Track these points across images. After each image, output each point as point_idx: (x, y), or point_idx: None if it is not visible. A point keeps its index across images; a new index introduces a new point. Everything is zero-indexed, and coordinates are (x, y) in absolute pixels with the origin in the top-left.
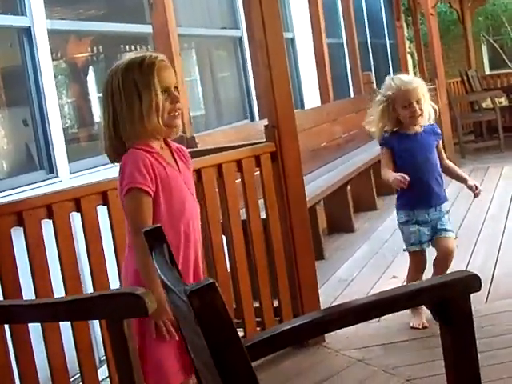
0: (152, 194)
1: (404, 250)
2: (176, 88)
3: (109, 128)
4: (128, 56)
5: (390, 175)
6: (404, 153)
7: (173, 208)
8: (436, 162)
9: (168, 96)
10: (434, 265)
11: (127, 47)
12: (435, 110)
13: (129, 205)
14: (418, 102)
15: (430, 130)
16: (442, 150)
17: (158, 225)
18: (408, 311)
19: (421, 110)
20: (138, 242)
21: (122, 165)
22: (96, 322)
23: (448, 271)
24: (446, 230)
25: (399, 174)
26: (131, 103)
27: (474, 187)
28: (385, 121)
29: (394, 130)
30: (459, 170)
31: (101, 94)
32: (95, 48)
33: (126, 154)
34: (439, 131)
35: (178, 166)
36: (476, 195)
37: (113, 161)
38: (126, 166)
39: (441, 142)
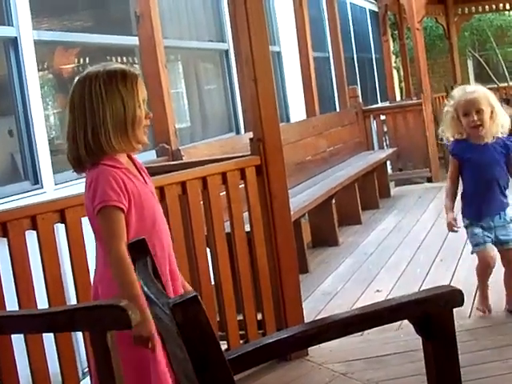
0: (125, 210)
1: (472, 253)
2: (146, 104)
3: (78, 135)
4: (100, 66)
5: (447, 213)
6: (468, 163)
7: (145, 222)
8: (501, 175)
9: (144, 110)
10: (504, 282)
11: (113, 58)
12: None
13: (105, 224)
14: (478, 113)
15: (502, 141)
16: None
17: (142, 237)
18: (393, 326)
19: (480, 120)
20: (118, 259)
21: (93, 182)
22: (79, 334)
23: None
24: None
25: (452, 217)
26: (115, 111)
27: None
28: (453, 130)
29: (463, 138)
30: None
31: (74, 84)
32: (81, 59)
33: (95, 170)
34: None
35: (143, 178)
36: None
37: (79, 172)
38: (98, 185)
39: None
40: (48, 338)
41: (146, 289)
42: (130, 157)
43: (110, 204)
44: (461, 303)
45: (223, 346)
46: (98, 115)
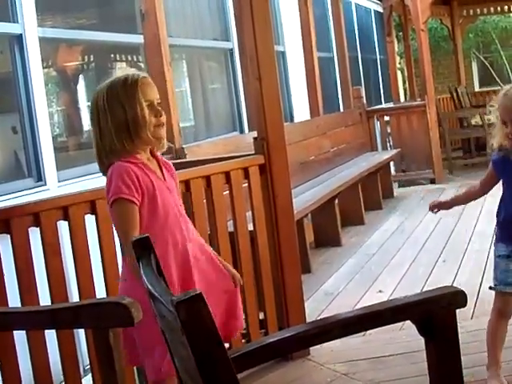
0: (138, 203)
1: (490, 288)
2: (159, 104)
3: (97, 144)
4: (110, 78)
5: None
6: (504, 178)
7: (157, 216)
8: None
9: (152, 110)
10: None
11: (118, 57)
12: None
13: (116, 216)
14: None
15: None
16: None
17: (146, 234)
18: (395, 326)
19: None
20: (129, 244)
21: (108, 178)
22: (81, 331)
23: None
24: None
25: (441, 201)
26: (117, 117)
27: None
28: (499, 138)
29: (506, 148)
30: None
31: (89, 103)
32: (86, 57)
33: (112, 166)
34: None
35: (163, 175)
36: None
37: (104, 174)
38: (112, 179)
39: None
40: (50, 335)
41: (149, 286)
42: (153, 154)
43: (121, 197)
44: (464, 304)
45: (225, 344)
46: (104, 124)
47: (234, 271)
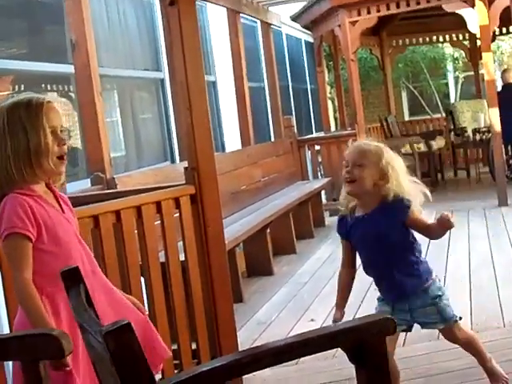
0: (33, 237)
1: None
2: (62, 131)
3: None
4: (12, 98)
5: None
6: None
7: (61, 247)
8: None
9: (55, 138)
10: None
11: (49, 86)
12: None
13: (8, 250)
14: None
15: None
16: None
17: (75, 265)
18: (327, 354)
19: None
20: (22, 287)
21: (1, 210)
22: (11, 363)
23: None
24: (434, 323)
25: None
26: (18, 144)
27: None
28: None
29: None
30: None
31: None
32: (16, 86)
33: (5, 198)
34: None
35: (61, 207)
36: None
37: None
38: (4, 211)
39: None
40: None
41: (77, 317)
42: (49, 187)
43: (14, 231)
44: (393, 331)
45: (157, 375)
46: (1, 150)
47: (135, 300)
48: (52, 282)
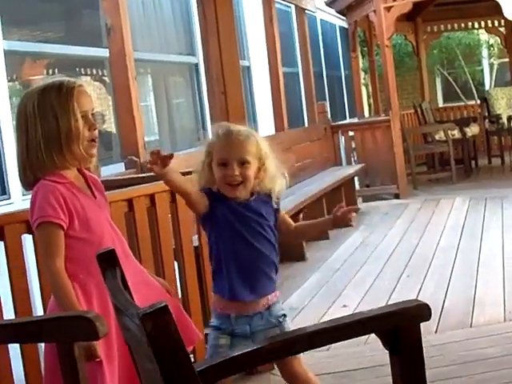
0: (65, 225)
1: None
2: (93, 115)
3: (22, 155)
4: (44, 80)
5: None
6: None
7: (93, 234)
8: None
9: (86, 122)
10: None
11: (83, 70)
12: None
13: (41, 239)
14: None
15: None
16: None
17: (111, 248)
18: (359, 340)
19: None
20: (54, 276)
21: (32, 198)
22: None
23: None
24: None
25: None
26: (48, 128)
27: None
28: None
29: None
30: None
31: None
32: (51, 71)
33: (37, 185)
34: None
35: (92, 192)
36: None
37: (26, 189)
38: (36, 199)
39: None
40: (14, 348)
41: (113, 299)
42: (80, 171)
43: (46, 220)
44: (428, 318)
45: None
46: (32, 134)
47: (167, 284)
48: (84, 269)
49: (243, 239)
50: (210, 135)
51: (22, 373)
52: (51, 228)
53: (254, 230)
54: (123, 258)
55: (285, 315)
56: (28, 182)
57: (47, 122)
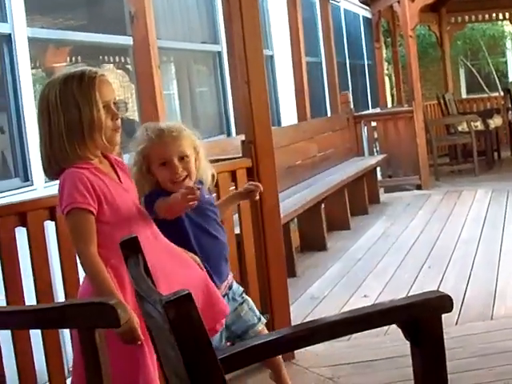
0: (94, 211)
1: None
2: (115, 104)
3: (45, 146)
4: (66, 70)
5: None
6: None
7: (122, 218)
8: None
9: (108, 112)
10: None
11: (106, 58)
12: None
13: (72, 226)
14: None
15: None
16: None
17: (134, 235)
18: (379, 331)
19: None
20: (89, 262)
21: (60, 186)
22: (66, 331)
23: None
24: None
25: None
26: (70, 119)
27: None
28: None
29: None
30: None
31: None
32: (74, 58)
33: (64, 173)
34: None
35: (118, 176)
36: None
37: (51, 178)
38: (65, 187)
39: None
40: (35, 335)
41: (136, 286)
42: (105, 155)
43: (75, 206)
44: (450, 309)
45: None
46: (54, 124)
47: (196, 258)
48: (116, 253)
49: (205, 232)
50: (136, 142)
51: (44, 362)
52: (82, 214)
53: (211, 218)
54: (152, 239)
55: (244, 290)
56: (53, 172)
57: (69, 113)
